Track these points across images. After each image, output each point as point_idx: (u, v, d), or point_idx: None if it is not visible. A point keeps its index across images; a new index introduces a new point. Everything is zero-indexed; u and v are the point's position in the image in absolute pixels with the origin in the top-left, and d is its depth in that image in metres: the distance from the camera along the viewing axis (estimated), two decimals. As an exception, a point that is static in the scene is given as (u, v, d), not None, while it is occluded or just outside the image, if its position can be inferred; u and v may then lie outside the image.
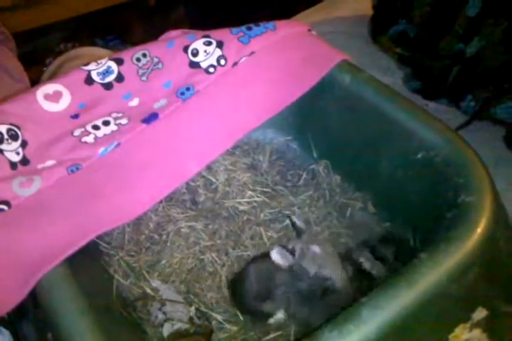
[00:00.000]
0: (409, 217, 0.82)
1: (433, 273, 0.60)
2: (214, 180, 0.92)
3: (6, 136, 0.70)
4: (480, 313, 0.66)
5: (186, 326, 0.71)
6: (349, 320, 0.56)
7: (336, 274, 0.70)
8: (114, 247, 0.84)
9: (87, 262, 0.74)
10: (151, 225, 0.87)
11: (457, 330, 0.64)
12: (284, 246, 0.73)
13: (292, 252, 0.73)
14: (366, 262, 0.76)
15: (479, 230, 0.64)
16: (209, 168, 0.94)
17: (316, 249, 0.71)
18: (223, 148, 0.82)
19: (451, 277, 0.61)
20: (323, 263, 0.70)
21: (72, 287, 0.60)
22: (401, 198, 0.83)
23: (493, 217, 0.65)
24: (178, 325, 0.70)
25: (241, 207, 0.90)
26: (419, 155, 0.79)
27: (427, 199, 0.79)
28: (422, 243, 0.78)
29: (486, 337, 0.69)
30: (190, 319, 0.72)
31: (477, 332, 0.67)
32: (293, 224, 0.80)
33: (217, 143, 0.81)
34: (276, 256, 0.74)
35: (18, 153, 0.71)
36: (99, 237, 0.85)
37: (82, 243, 0.64)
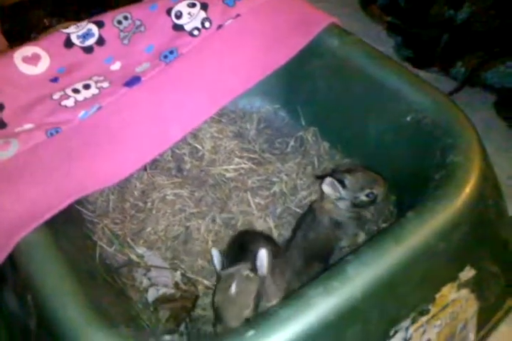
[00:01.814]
0: (396, 182, 0.81)
1: (420, 231, 0.59)
2: (200, 147, 0.91)
3: (-19, 99, 0.68)
4: (467, 273, 0.65)
5: (171, 291, 0.70)
6: (334, 277, 0.55)
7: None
8: (99, 215, 0.83)
9: (70, 229, 0.73)
10: (136, 193, 0.86)
11: (444, 290, 0.63)
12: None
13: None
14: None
15: (467, 189, 0.63)
16: (195, 135, 0.92)
17: (234, 286, 0.63)
18: (208, 114, 0.80)
19: (439, 235, 0.60)
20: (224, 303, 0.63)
21: (53, 249, 0.59)
22: (389, 163, 0.82)
23: (482, 176, 0.65)
24: (163, 290, 0.69)
25: (228, 174, 0.88)
26: (408, 118, 0.78)
27: (415, 162, 0.77)
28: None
29: (474, 298, 0.68)
30: (176, 284, 0.71)
31: (465, 292, 0.66)
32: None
33: (202, 108, 0.79)
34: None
35: (-6, 116, 0.69)
36: (83, 205, 0.83)
37: (63, 206, 0.62)
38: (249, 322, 0.53)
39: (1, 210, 0.60)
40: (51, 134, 0.69)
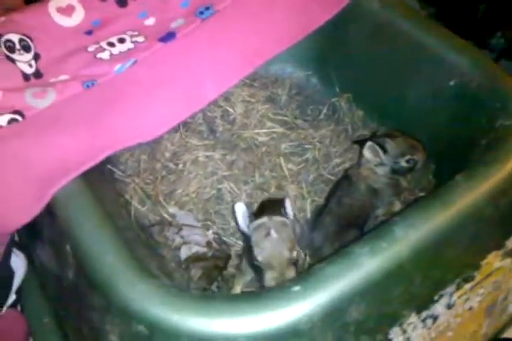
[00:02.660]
0: (435, 151, 0.78)
1: (469, 194, 0.57)
2: (232, 110, 0.89)
3: (18, 46, 0.65)
4: (513, 241, 0.63)
5: (204, 250, 0.68)
6: (381, 237, 0.53)
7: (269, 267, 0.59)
8: (130, 175, 0.81)
9: (103, 185, 0.71)
10: (167, 154, 0.84)
11: (490, 257, 0.61)
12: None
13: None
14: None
15: (520, 152, 0.61)
16: (226, 98, 0.90)
17: (274, 233, 0.60)
18: (243, 73, 0.78)
19: (488, 199, 0.58)
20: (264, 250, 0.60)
21: (91, 200, 0.57)
22: (428, 130, 0.79)
23: (534, 140, 0.62)
24: (195, 249, 0.68)
25: (260, 138, 0.86)
26: (452, 82, 0.75)
27: (456, 130, 0.75)
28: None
29: (516, 268, 0.67)
30: (208, 243, 0.69)
31: (509, 261, 0.64)
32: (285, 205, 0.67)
33: (236, 67, 0.76)
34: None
35: (30, 65, 0.67)
36: (114, 165, 0.82)
37: (100, 158, 0.61)
38: (295, 278, 0.51)
39: (40, 161, 0.59)
40: (87, 86, 0.67)
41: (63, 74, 0.68)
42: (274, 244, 0.59)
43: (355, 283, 0.51)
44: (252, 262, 0.60)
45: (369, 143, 0.73)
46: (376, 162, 0.74)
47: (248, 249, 0.62)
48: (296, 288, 0.49)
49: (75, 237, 0.53)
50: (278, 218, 0.61)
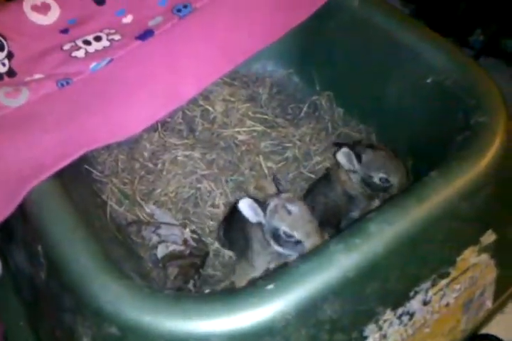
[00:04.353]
0: (414, 148, 0.78)
1: (444, 190, 0.57)
2: (212, 109, 0.88)
3: (-10, 45, 0.65)
4: (489, 237, 0.64)
5: (181, 248, 0.68)
6: (356, 234, 0.53)
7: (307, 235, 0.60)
8: (108, 176, 0.81)
9: (79, 186, 0.71)
10: (146, 154, 0.84)
11: (466, 253, 0.61)
12: (255, 199, 0.61)
13: (264, 208, 0.61)
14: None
15: (493, 149, 0.61)
16: (206, 97, 0.90)
17: (292, 207, 0.61)
18: (222, 71, 0.77)
19: (463, 195, 0.58)
20: (294, 224, 0.60)
21: (65, 199, 0.57)
22: (407, 128, 0.80)
23: (508, 136, 0.62)
24: (172, 247, 0.67)
25: (240, 137, 0.86)
26: (429, 80, 0.75)
27: (434, 126, 0.75)
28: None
29: (493, 264, 0.67)
30: (185, 241, 0.69)
31: (485, 257, 0.65)
32: (276, 180, 0.70)
33: (216, 64, 0.76)
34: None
35: (4, 64, 0.66)
36: (91, 165, 0.81)
37: (75, 156, 0.60)
38: (268, 276, 0.51)
39: (13, 160, 0.58)
40: (62, 85, 0.66)
41: (37, 73, 0.68)
42: (300, 215, 0.60)
43: (329, 280, 0.51)
44: (280, 243, 0.61)
45: (345, 149, 0.71)
46: (349, 168, 0.73)
47: (272, 236, 0.61)
48: (270, 287, 0.49)
49: (47, 237, 0.53)
50: (283, 195, 0.62)
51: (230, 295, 0.50)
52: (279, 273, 0.51)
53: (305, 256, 0.52)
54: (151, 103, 0.69)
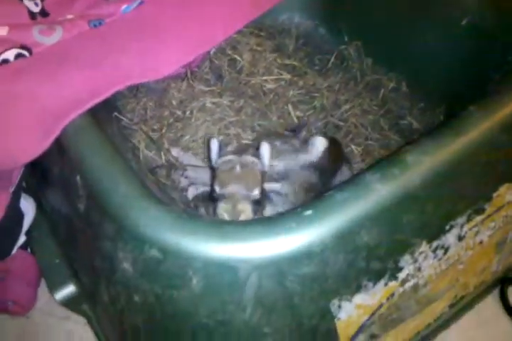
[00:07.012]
0: (448, 91, 0.77)
1: (483, 123, 0.56)
2: (239, 58, 0.88)
3: (23, -15, 0.65)
4: (527, 173, 0.63)
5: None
6: (394, 164, 0.53)
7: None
8: (136, 123, 0.81)
9: (111, 128, 0.71)
10: (174, 102, 0.84)
11: (501, 189, 0.61)
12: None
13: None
14: None
15: (535, 81, 0.60)
16: (233, 47, 0.89)
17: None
18: (249, 17, 0.77)
19: (502, 128, 0.57)
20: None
21: (101, 133, 0.57)
22: (440, 72, 0.79)
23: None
24: (202, 189, 0.68)
25: (268, 85, 0.85)
26: (464, 22, 0.74)
27: (468, 69, 0.74)
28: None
29: (529, 203, 0.66)
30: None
31: (520, 196, 0.64)
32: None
33: (243, 11, 0.75)
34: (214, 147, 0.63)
35: (36, 4, 0.66)
36: (121, 114, 0.81)
37: (108, 93, 0.60)
38: (306, 204, 0.51)
39: (49, 95, 0.58)
40: (94, 25, 0.66)
41: (69, 14, 0.68)
42: (233, 178, 0.58)
43: (366, 208, 0.50)
44: (211, 194, 0.60)
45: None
46: None
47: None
48: (309, 212, 0.49)
49: (86, 168, 0.53)
50: (248, 157, 0.61)
51: (269, 220, 0.50)
52: (316, 201, 0.51)
53: (342, 185, 0.52)
54: (181, 44, 0.69)
